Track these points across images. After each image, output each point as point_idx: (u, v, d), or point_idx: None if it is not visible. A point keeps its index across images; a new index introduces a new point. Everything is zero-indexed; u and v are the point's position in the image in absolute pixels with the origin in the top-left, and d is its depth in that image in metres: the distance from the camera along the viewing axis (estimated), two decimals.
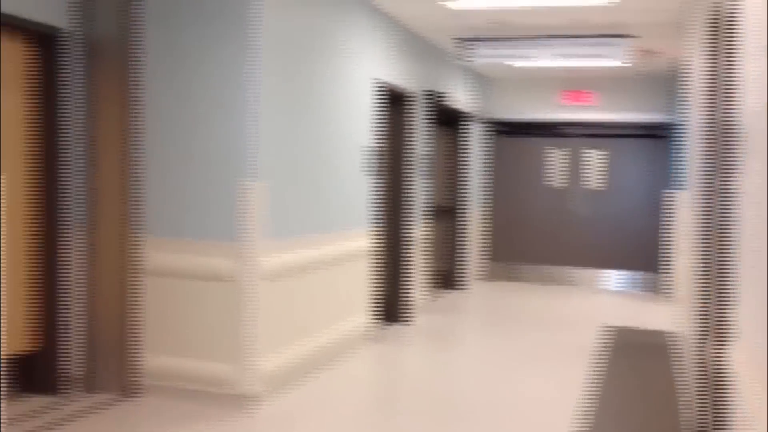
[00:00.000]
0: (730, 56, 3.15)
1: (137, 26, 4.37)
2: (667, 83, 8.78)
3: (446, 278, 8.70)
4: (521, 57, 7.05)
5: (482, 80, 9.32)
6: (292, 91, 4.66)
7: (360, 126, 5.70)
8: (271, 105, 4.41)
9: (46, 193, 4.31)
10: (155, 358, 4.45)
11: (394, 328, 6.57)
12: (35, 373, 4.32)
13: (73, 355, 4.41)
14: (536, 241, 9.73)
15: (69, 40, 4.30)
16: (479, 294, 8.88)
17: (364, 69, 5.74)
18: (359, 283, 5.83)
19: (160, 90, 4.41)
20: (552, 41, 6.71)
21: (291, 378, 4.70)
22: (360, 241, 5.76)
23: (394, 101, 6.61)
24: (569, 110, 9.43)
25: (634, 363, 5.71)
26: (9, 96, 4.08)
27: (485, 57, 7.02)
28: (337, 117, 5.29)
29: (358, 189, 5.73)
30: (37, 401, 4.20)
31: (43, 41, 4.24)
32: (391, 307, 6.74)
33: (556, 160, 9.66)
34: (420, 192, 7.09)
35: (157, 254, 4.43)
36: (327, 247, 5.15)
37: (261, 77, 4.29)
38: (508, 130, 9.74)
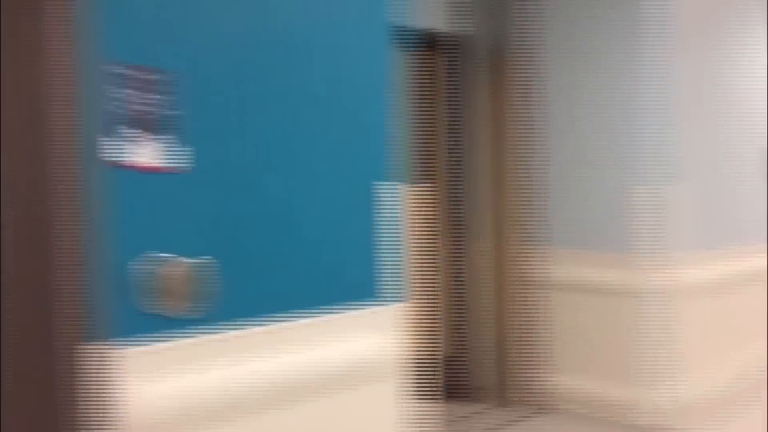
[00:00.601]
0: None
1: (535, 27, 4.28)
2: None
3: None
4: None
5: None
6: (694, 87, 4.20)
7: (763, 122, 4.98)
8: (674, 103, 4.02)
9: (449, 199, 4.44)
10: (561, 377, 4.28)
11: None
12: (444, 380, 4.39)
13: (480, 366, 4.46)
14: None
15: (468, 45, 4.34)
16: None
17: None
18: None
19: (557, 93, 4.27)
20: None
21: (706, 413, 4.13)
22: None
23: None
24: None
25: None
26: (413, 105, 4.20)
27: None
28: (736, 112, 4.67)
29: (764, 196, 5.01)
30: (444, 407, 4.26)
31: (443, 48, 4.33)
32: None
33: None
34: None
35: (560, 267, 4.27)
36: (736, 263, 4.54)
37: (661, 74, 3.96)
38: None
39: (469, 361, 4.47)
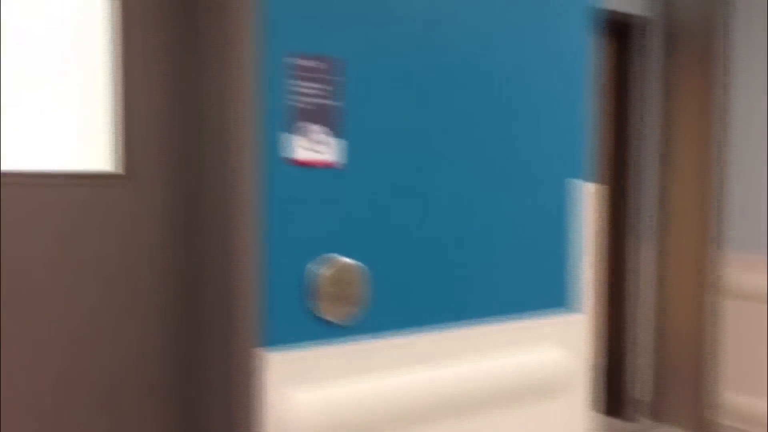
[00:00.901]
0: None
1: (725, 11, 3.84)
2: None
3: None
4: None
5: None
6: None
7: None
8: None
9: (613, 198, 4.09)
10: (737, 396, 3.87)
11: None
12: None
13: (639, 378, 4.15)
14: None
15: (646, 28, 4.00)
16: None
17: None
18: None
19: (751, 84, 3.80)
20: None
21: None
22: None
23: None
24: None
25: None
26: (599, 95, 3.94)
27: None
28: None
29: None
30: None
31: (617, 31, 4.00)
32: None
33: None
34: None
35: (745, 274, 3.83)
36: None
37: None
38: None
39: (625, 372, 4.14)
